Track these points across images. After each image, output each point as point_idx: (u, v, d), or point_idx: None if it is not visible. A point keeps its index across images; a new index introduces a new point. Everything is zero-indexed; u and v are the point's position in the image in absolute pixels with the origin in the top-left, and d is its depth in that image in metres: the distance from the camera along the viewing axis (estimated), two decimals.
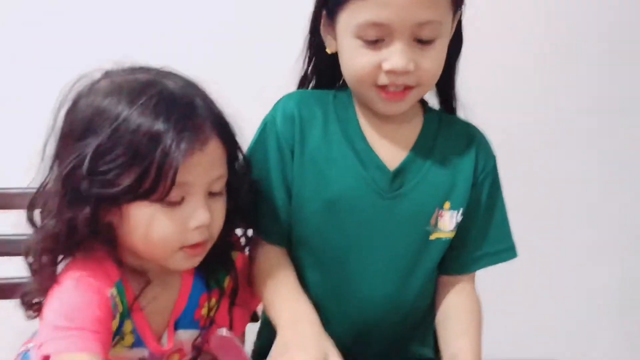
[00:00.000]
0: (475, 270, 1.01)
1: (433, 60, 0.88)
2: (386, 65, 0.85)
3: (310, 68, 1.01)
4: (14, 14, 1.57)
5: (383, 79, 0.87)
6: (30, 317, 0.88)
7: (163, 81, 0.80)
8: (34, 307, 0.86)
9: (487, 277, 1.03)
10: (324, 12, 0.93)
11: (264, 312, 1.11)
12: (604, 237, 1.86)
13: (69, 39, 1.56)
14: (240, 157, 0.88)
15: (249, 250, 0.98)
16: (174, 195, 0.77)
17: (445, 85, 1.00)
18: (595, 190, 1.85)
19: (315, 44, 0.98)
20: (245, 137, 0.90)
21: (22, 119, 1.46)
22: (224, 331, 0.70)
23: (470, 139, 0.98)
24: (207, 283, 0.92)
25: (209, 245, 0.85)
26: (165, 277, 0.89)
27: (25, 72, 1.57)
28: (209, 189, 0.81)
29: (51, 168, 0.82)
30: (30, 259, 0.83)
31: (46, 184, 0.82)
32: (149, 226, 0.78)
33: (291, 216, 0.96)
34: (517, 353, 1.11)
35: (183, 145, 0.75)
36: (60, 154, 0.81)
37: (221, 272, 0.93)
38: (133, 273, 0.85)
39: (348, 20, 0.87)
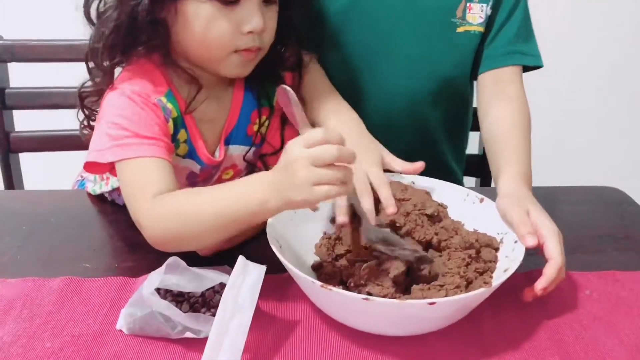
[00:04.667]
0: (509, 63, 0.96)
1: None
2: None
3: None
4: None
5: None
6: (83, 136, 0.89)
7: None
8: (91, 112, 0.86)
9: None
10: None
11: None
12: None
13: None
14: None
15: None
16: None
17: None
18: None
19: None
20: None
21: None
22: (286, 87, 0.69)
23: None
24: (257, 99, 0.91)
25: (260, 55, 0.84)
26: (216, 90, 0.88)
27: None
28: None
29: None
30: (91, 60, 0.82)
31: None
32: (205, 25, 0.78)
33: (317, 17, 0.96)
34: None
35: None
36: None
37: (271, 88, 0.91)
38: (184, 81, 0.84)
39: None
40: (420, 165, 0.82)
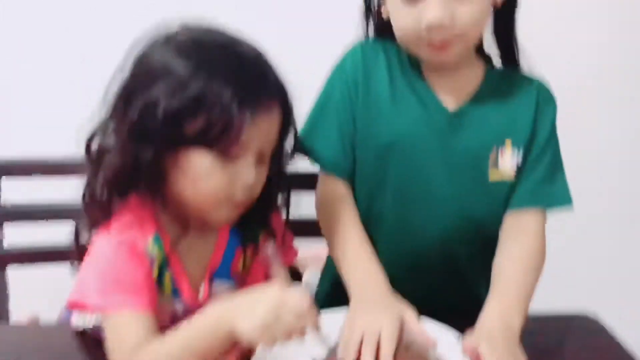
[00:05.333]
0: (534, 204, 0.99)
1: (469, 10, 0.89)
2: (424, 22, 0.89)
3: (368, 29, 1.06)
4: None
5: (424, 35, 0.90)
6: (73, 272, 0.90)
7: (239, 45, 0.84)
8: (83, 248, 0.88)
9: None
10: None
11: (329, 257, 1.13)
12: None
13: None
14: (292, 128, 0.91)
15: (317, 186, 1.03)
16: (234, 150, 0.81)
17: (504, 36, 1.02)
18: None
19: (370, 12, 1.03)
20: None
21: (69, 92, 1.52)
22: (269, 248, 0.78)
23: (531, 83, 1.02)
24: (243, 238, 0.94)
25: (247, 204, 0.88)
26: (202, 230, 0.91)
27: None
28: (259, 152, 0.84)
29: (115, 105, 0.83)
30: (88, 196, 0.86)
31: (108, 119, 0.84)
32: (203, 175, 0.81)
33: (355, 150, 1.01)
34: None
35: (253, 107, 0.79)
36: (128, 94, 0.82)
37: (257, 228, 0.95)
38: (171, 223, 0.88)
39: None
40: (433, 343, 0.82)
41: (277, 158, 0.90)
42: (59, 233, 1.08)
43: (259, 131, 0.82)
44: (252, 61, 0.83)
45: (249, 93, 0.79)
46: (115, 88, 0.84)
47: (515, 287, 0.90)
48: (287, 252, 1.01)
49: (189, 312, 0.90)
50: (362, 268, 0.92)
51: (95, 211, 0.86)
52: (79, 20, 1.63)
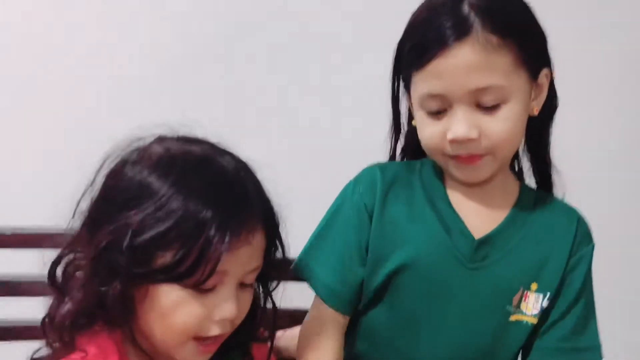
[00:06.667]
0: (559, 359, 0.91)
1: (500, 126, 0.83)
2: (449, 135, 0.83)
3: (396, 146, 0.99)
4: None
5: (449, 149, 0.85)
6: None
7: (217, 159, 0.76)
8: None
9: None
10: (402, 88, 0.93)
11: None
12: None
13: None
14: (279, 249, 0.82)
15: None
16: (210, 282, 0.72)
17: (539, 152, 0.95)
18: None
19: (399, 121, 0.97)
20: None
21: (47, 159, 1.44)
22: None
23: (570, 218, 0.92)
24: None
25: (223, 339, 0.79)
26: None
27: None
28: (242, 280, 0.76)
29: (82, 228, 0.76)
30: (49, 329, 0.77)
31: (74, 243, 0.77)
32: (173, 309, 0.73)
33: (362, 280, 0.92)
34: None
35: (230, 235, 0.71)
36: (95, 218, 0.75)
37: (236, 357, 0.85)
38: (138, 357, 0.78)
39: (414, 94, 0.87)
40: None
41: (263, 281, 0.81)
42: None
43: (239, 259, 0.73)
44: (231, 178, 0.75)
45: (226, 218, 0.71)
46: (83, 206, 0.77)
47: None
48: None
49: None
50: None
51: (55, 342, 0.77)
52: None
